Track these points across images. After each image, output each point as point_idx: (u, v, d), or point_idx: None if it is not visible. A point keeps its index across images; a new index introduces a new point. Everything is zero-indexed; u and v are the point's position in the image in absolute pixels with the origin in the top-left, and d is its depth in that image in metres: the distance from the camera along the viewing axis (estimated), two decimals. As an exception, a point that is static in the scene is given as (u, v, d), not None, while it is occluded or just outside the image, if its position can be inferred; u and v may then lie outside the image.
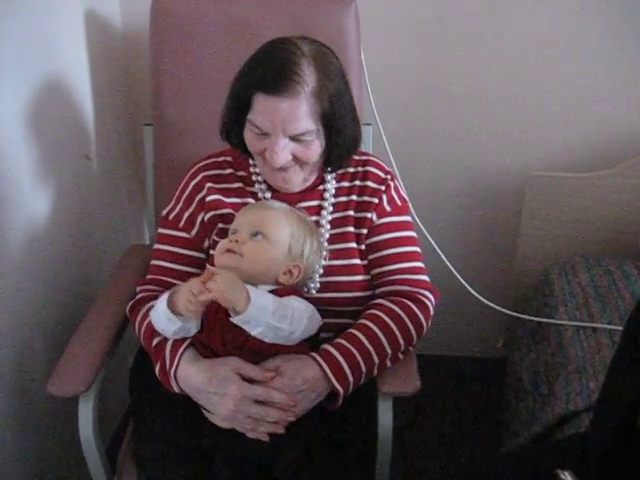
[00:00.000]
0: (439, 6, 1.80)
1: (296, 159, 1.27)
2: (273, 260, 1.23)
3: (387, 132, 1.80)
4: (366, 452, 1.29)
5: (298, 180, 1.32)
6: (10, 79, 1.37)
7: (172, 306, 1.17)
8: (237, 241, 1.21)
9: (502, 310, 1.92)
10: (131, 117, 1.96)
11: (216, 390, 1.16)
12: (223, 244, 1.23)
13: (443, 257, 1.86)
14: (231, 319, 1.13)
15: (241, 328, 1.15)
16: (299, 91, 1.20)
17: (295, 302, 1.20)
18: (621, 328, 1.33)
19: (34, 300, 1.49)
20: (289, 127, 1.22)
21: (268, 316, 1.13)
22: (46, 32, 1.51)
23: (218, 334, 1.18)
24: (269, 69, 1.22)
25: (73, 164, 1.66)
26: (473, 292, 1.88)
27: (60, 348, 1.34)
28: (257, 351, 1.18)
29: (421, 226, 1.82)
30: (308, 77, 1.21)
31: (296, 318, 1.17)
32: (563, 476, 0.95)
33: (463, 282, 1.88)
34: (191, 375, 1.18)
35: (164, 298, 1.18)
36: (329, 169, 1.36)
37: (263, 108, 1.22)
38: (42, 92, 1.49)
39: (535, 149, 1.96)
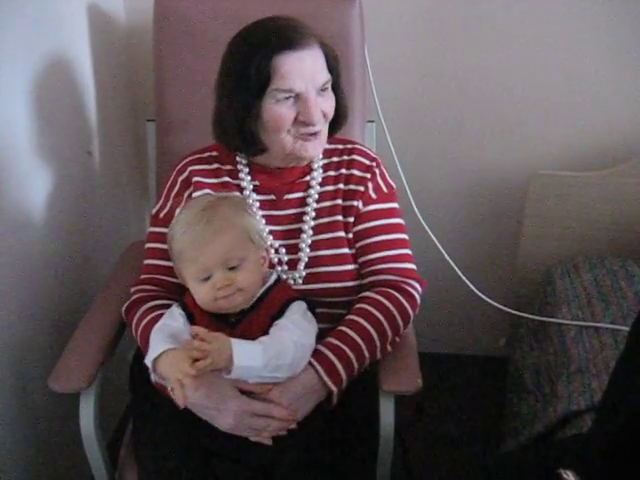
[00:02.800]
0: (443, 4, 1.80)
1: (323, 114, 1.28)
2: (260, 269, 1.21)
3: (390, 129, 1.79)
4: (368, 451, 1.28)
5: (324, 142, 1.33)
6: (12, 74, 1.37)
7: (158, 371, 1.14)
8: (227, 285, 1.14)
9: (504, 309, 1.92)
10: (133, 113, 1.96)
11: (215, 405, 1.15)
12: (212, 294, 1.15)
13: (445, 255, 1.86)
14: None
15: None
16: (315, 42, 1.25)
17: (295, 334, 1.15)
18: (624, 328, 1.32)
19: (35, 296, 1.49)
20: (317, 77, 1.25)
21: (258, 371, 1.12)
22: (49, 26, 1.50)
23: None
24: (280, 31, 1.24)
25: (75, 160, 1.65)
26: (475, 290, 1.88)
27: (61, 344, 1.33)
28: None
29: (423, 224, 1.82)
30: (312, 32, 1.27)
31: (297, 358, 1.15)
32: (566, 476, 0.94)
33: (465, 280, 1.87)
34: None
35: (150, 358, 1.14)
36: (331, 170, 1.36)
37: (289, 66, 1.22)
38: (44, 87, 1.48)
39: (538, 148, 1.95)
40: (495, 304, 1.90)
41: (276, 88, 1.23)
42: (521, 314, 1.89)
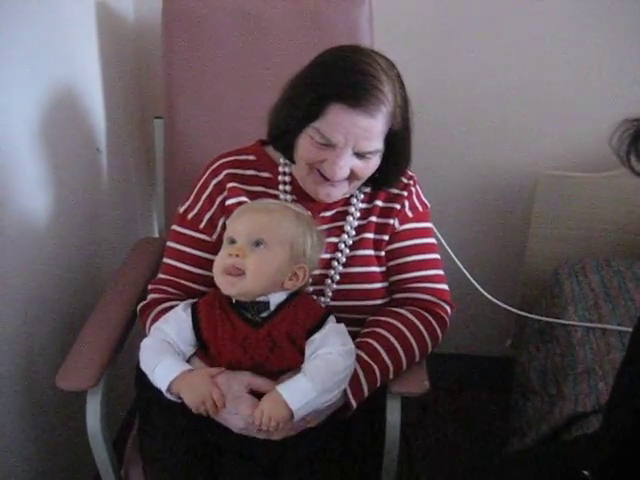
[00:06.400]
0: (452, 3, 1.80)
1: (351, 173, 1.21)
2: (278, 269, 1.14)
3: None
4: (373, 451, 1.28)
5: (340, 195, 1.27)
6: (21, 73, 1.37)
7: (176, 387, 1.14)
8: (238, 255, 1.13)
9: (511, 309, 1.91)
10: (142, 110, 1.96)
11: (227, 408, 1.14)
12: (223, 260, 1.14)
13: (452, 255, 1.85)
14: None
15: (255, 348, 1.15)
16: (381, 109, 1.16)
17: (337, 343, 1.15)
18: (631, 330, 1.32)
19: (42, 293, 1.49)
20: (361, 144, 1.17)
21: (318, 399, 1.11)
22: (57, 25, 1.50)
23: (228, 357, 1.17)
24: (349, 80, 1.15)
25: (84, 156, 1.66)
26: (482, 291, 1.87)
27: (68, 342, 1.34)
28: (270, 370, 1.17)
29: (431, 224, 1.81)
30: (389, 95, 1.17)
31: (349, 366, 1.15)
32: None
33: (472, 280, 1.86)
34: None
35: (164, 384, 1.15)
36: (369, 187, 1.32)
37: (338, 120, 1.15)
38: (53, 85, 1.49)
39: (546, 148, 1.94)
40: (502, 304, 1.90)
41: (317, 129, 1.17)
42: (528, 315, 1.88)
